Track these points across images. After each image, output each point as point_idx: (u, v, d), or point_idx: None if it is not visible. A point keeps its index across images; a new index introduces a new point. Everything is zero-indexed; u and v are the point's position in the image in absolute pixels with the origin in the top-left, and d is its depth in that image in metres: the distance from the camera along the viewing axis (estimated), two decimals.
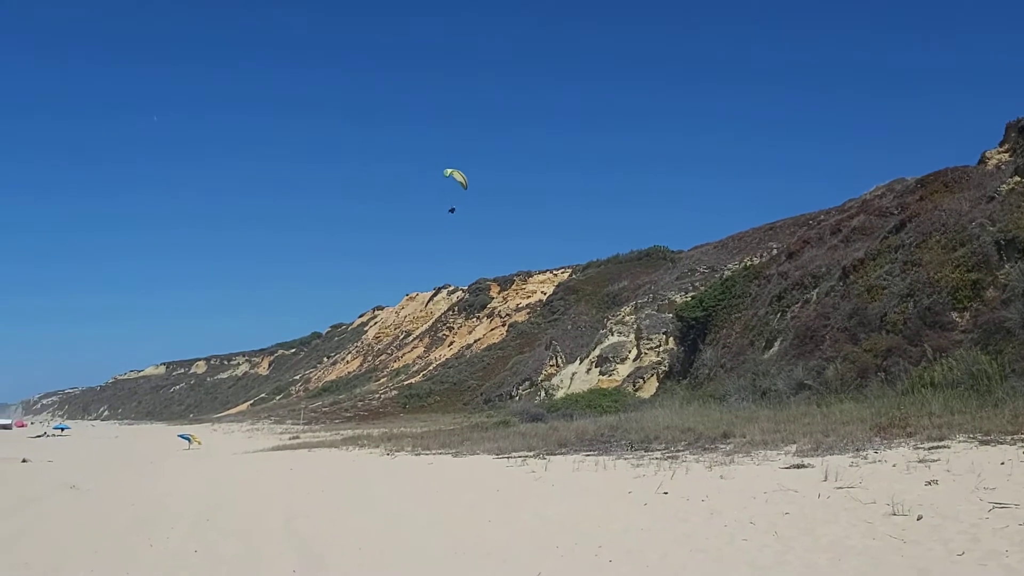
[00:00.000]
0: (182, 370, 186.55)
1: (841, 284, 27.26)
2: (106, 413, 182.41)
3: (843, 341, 24.33)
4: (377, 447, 29.05)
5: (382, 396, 77.14)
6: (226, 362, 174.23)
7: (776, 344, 29.16)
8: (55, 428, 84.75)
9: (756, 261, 46.72)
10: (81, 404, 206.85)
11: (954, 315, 21.67)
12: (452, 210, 29.40)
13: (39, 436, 70.17)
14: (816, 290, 29.28)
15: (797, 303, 30.15)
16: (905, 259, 24.85)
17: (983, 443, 12.59)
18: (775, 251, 46.19)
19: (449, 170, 27.39)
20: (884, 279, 24.80)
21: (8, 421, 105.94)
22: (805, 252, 34.44)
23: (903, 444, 13.57)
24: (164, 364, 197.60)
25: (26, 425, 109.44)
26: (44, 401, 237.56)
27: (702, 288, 47.18)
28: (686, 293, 50.93)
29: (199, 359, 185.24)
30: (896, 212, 30.13)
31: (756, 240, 57.76)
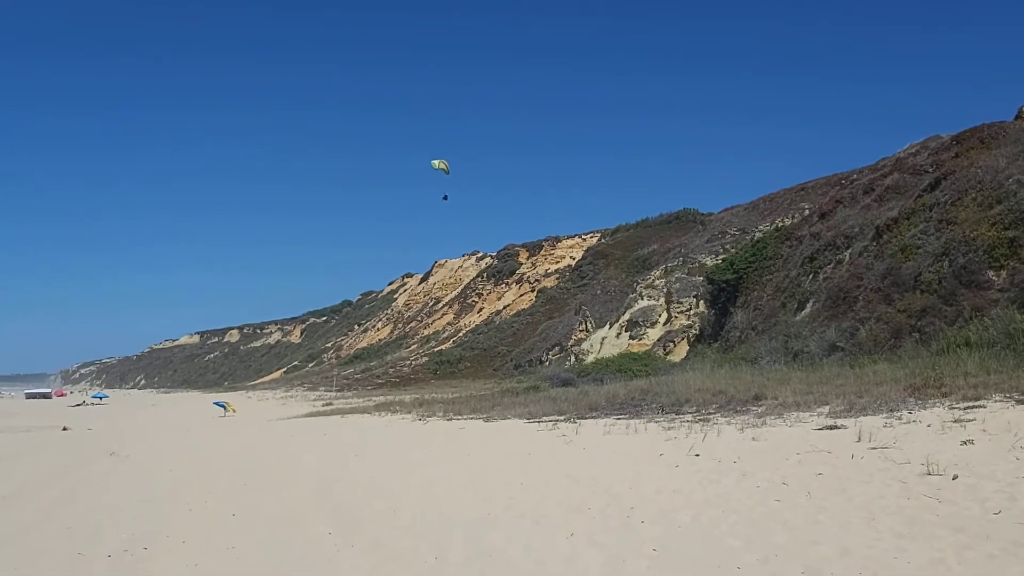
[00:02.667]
0: (216, 339, 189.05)
1: (874, 244, 26.87)
2: (143, 382, 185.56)
3: (876, 302, 24.03)
4: (409, 413, 29.30)
5: (413, 363, 77.68)
6: (259, 331, 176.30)
7: (808, 306, 28.88)
8: (94, 397, 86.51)
9: (787, 222, 46.21)
10: (118, 373, 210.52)
11: (990, 273, 21.29)
12: (445, 197, 31.91)
13: (78, 405, 71.65)
14: (849, 250, 28.90)
15: (829, 264, 29.79)
16: (940, 217, 24.41)
17: (1020, 402, 12.41)
18: (807, 212, 45.59)
19: (436, 161, 28.99)
20: (918, 238, 24.40)
21: (48, 390, 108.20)
22: (837, 212, 33.95)
23: (938, 404, 13.42)
24: (198, 333, 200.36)
25: (65, 394, 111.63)
26: (82, 371, 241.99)
27: (733, 250, 46.78)
28: (716, 256, 50.55)
29: (232, 328, 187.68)
30: (931, 170, 29.56)
31: (787, 201, 57.03)
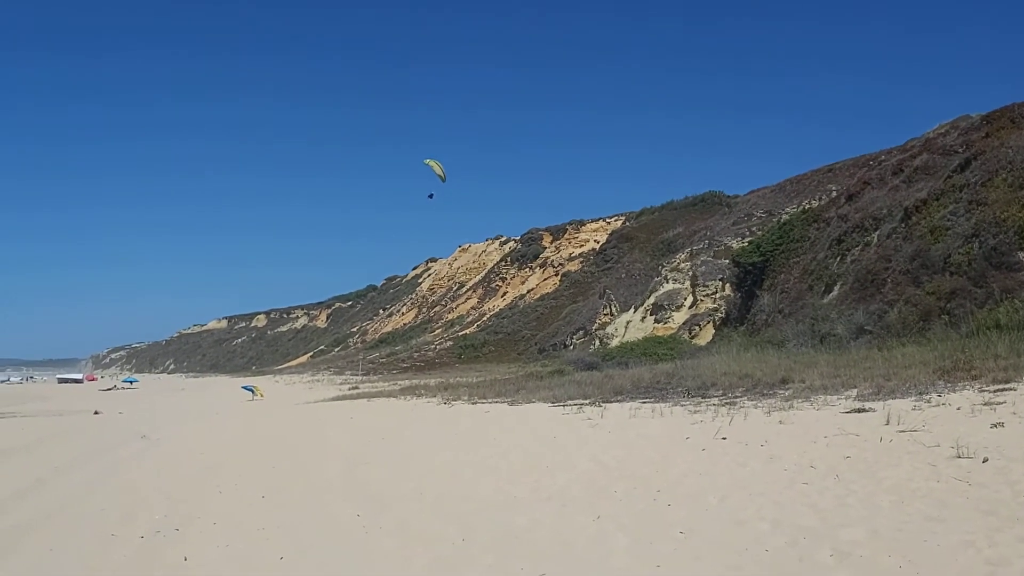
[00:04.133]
0: (243, 324, 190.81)
1: (903, 226, 26.56)
2: (172, 366, 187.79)
3: (905, 284, 23.78)
4: (434, 396, 29.42)
5: (437, 347, 77.97)
6: (285, 315, 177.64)
7: (836, 288, 28.64)
8: (124, 381, 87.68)
9: (815, 204, 45.79)
10: (148, 358, 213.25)
11: (1021, 255, 20.99)
12: (431, 196, 31.67)
13: (109, 389, 72.71)
14: (877, 232, 28.59)
15: (857, 246, 29.50)
16: (970, 198, 24.07)
17: None
18: (834, 193, 45.12)
19: (428, 160, 29.11)
20: (948, 219, 24.08)
21: (79, 375, 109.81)
22: (866, 193, 33.58)
23: (968, 387, 13.29)
24: (226, 318, 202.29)
25: (96, 379, 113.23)
26: (112, 355, 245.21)
27: (759, 233, 46.44)
28: (743, 238, 50.22)
29: (259, 313, 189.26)
30: (961, 150, 29.12)
31: (814, 183, 56.48)
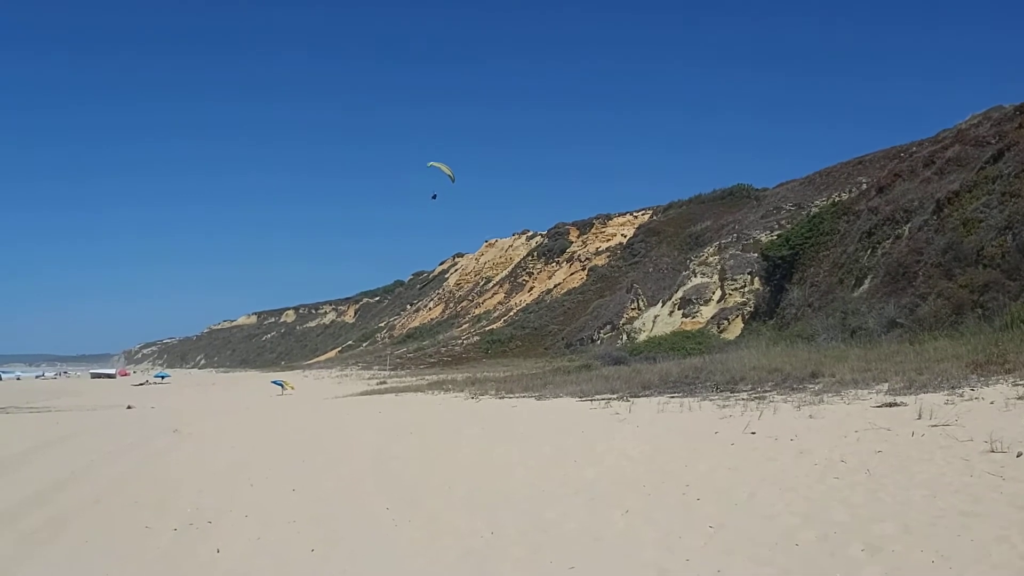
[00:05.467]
0: (272, 319, 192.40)
1: (935, 218, 26.23)
2: (202, 361, 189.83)
3: (937, 277, 23.49)
4: (461, 391, 29.50)
5: (464, 342, 78.15)
6: (314, 311, 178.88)
7: (866, 281, 28.37)
8: (156, 376, 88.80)
9: (845, 196, 45.36)
10: (179, 353, 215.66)
11: None
12: (434, 196, 32.29)
13: (141, 384, 73.62)
14: (908, 225, 28.27)
15: (888, 239, 29.18)
16: (1003, 190, 23.71)
17: None
18: (865, 186, 44.65)
19: (433, 162, 29.43)
20: (981, 211, 23.75)
21: (112, 371, 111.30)
22: (896, 186, 33.20)
23: (1001, 381, 13.10)
24: (255, 314, 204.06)
25: (129, 374, 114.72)
26: (144, 351, 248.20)
27: (788, 226, 46.11)
28: (772, 232, 49.88)
29: (288, 308, 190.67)
30: (993, 141, 28.67)
31: (844, 175, 55.90)
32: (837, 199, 45.21)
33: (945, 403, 12.04)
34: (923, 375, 14.66)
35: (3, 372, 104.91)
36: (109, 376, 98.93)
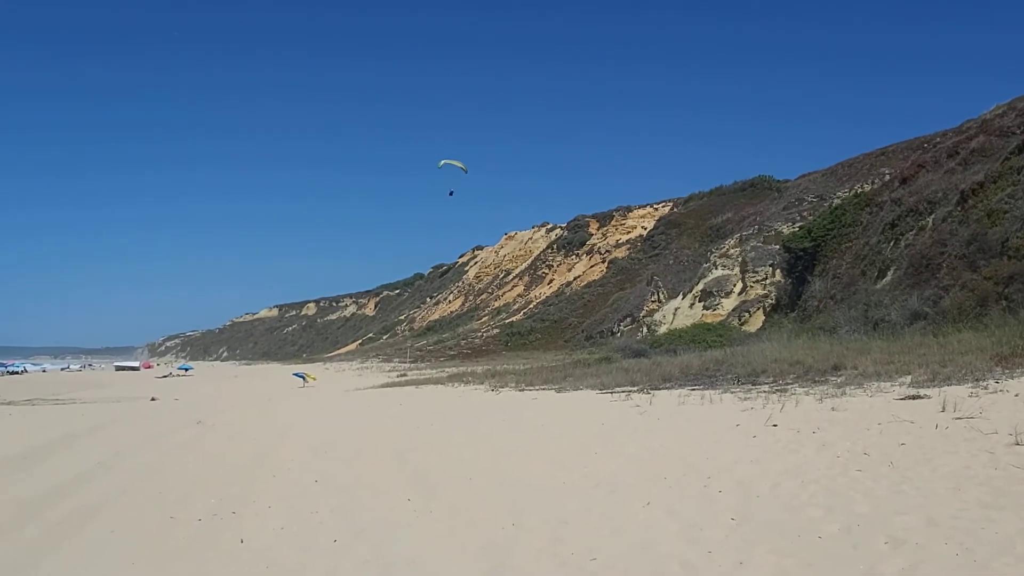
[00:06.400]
0: (294, 312, 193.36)
1: (959, 209, 25.97)
2: (225, 354, 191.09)
3: (961, 268, 23.27)
4: (481, 383, 29.57)
5: (484, 334, 78.22)
6: (335, 304, 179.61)
7: (889, 273, 28.14)
8: (179, 368, 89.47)
9: (867, 188, 44.99)
10: (202, 346, 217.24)
11: None
12: (451, 193, 33.94)
13: (165, 376, 74.22)
14: (932, 216, 28.00)
15: (912, 230, 28.92)
16: None
17: None
18: (888, 177, 44.21)
19: (444, 161, 29.86)
20: (1006, 202, 23.48)
21: (136, 363, 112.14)
22: (920, 177, 32.88)
23: None
24: (277, 307, 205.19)
25: (152, 366, 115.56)
26: (167, 343, 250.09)
27: (810, 218, 45.80)
28: (793, 223, 49.57)
29: (309, 301, 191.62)
30: (1018, 131, 28.37)
31: (867, 166, 55.44)
32: (860, 190, 44.85)
33: (969, 396, 11.95)
34: (947, 368, 14.56)
35: (30, 365, 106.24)
36: (133, 368, 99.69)
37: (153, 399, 35.30)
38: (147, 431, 20.59)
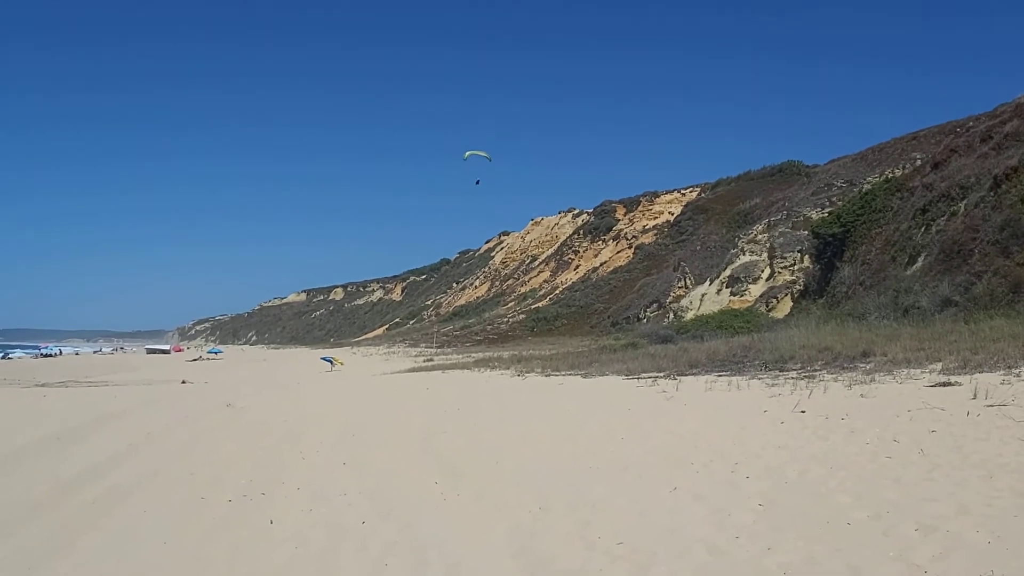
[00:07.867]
0: (322, 297, 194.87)
1: (992, 194, 25.56)
2: (254, 338, 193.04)
3: (994, 255, 22.94)
4: (508, 369, 29.63)
5: (510, 320, 78.32)
6: (362, 289, 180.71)
7: (920, 259, 27.80)
8: (209, 352, 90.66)
9: (898, 173, 44.36)
10: (231, 330, 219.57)
11: None
12: (477, 182, 36.19)
13: (195, 360, 75.12)
14: (964, 201, 27.59)
15: (943, 216, 28.52)
16: None
17: None
18: (919, 162, 43.62)
19: (469, 152, 30.40)
20: None
21: (166, 347, 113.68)
22: (952, 161, 32.36)
23: None
24: (305, 291, 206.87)
25: (183, 350, 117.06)
26: (197, 327, 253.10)
27: (839, 203, 45.28)
28: (822, 209, 49.06)
29: (337, 286, 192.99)
30: None
31: (898, 151, 54.61)
32: (890, 175, 44.25)
33: (1001, 383, 11.82)
34: (978, 355, 14.40)
35: (63, 348, 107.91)
36: (164, 352, 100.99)
37: (184, 382, 35.70)
38: (178, 413, 20.83)
